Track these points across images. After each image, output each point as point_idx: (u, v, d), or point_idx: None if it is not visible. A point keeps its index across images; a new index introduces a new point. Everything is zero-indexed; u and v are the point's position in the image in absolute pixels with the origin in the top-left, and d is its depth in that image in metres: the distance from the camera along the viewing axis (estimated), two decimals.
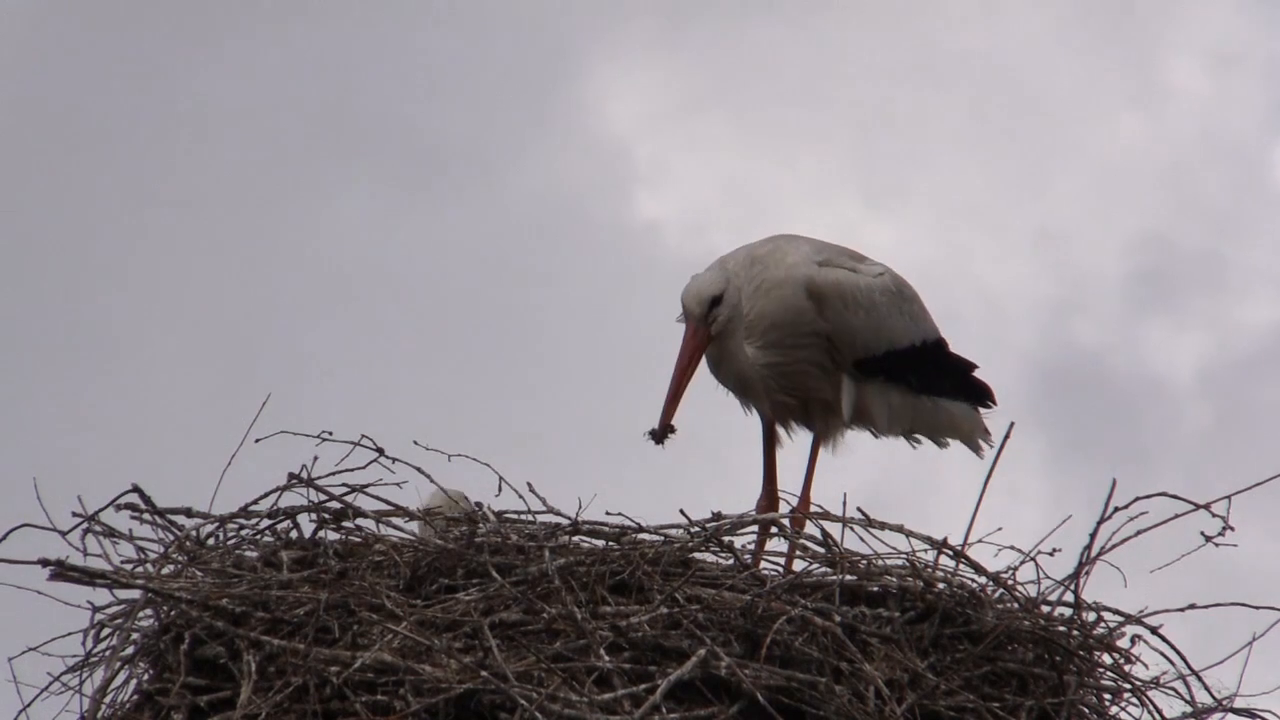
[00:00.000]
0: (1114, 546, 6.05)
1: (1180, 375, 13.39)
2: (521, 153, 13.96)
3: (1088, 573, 6.05)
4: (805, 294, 6.70)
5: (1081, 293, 13.74)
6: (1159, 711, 6.05)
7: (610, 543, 5.97)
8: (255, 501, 6.16)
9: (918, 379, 6.89)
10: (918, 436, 7.07)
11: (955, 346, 7.07)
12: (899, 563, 5.97)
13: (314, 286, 12.95)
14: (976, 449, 7.11)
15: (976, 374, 7.08)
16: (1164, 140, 14.64)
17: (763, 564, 6.17)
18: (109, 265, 13.06)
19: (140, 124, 13.45)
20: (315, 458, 6.17)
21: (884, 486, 7.76)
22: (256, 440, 6.24)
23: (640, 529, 6.01)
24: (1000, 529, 6.10)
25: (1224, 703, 6.06)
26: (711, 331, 6.56)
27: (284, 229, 13.35)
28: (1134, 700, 6.08)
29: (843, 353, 6.76)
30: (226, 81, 13.62)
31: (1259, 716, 6.07)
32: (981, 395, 7.07)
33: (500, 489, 6.31)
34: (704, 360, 6.71)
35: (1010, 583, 6.06)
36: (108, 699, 5.87)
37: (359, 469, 6.21)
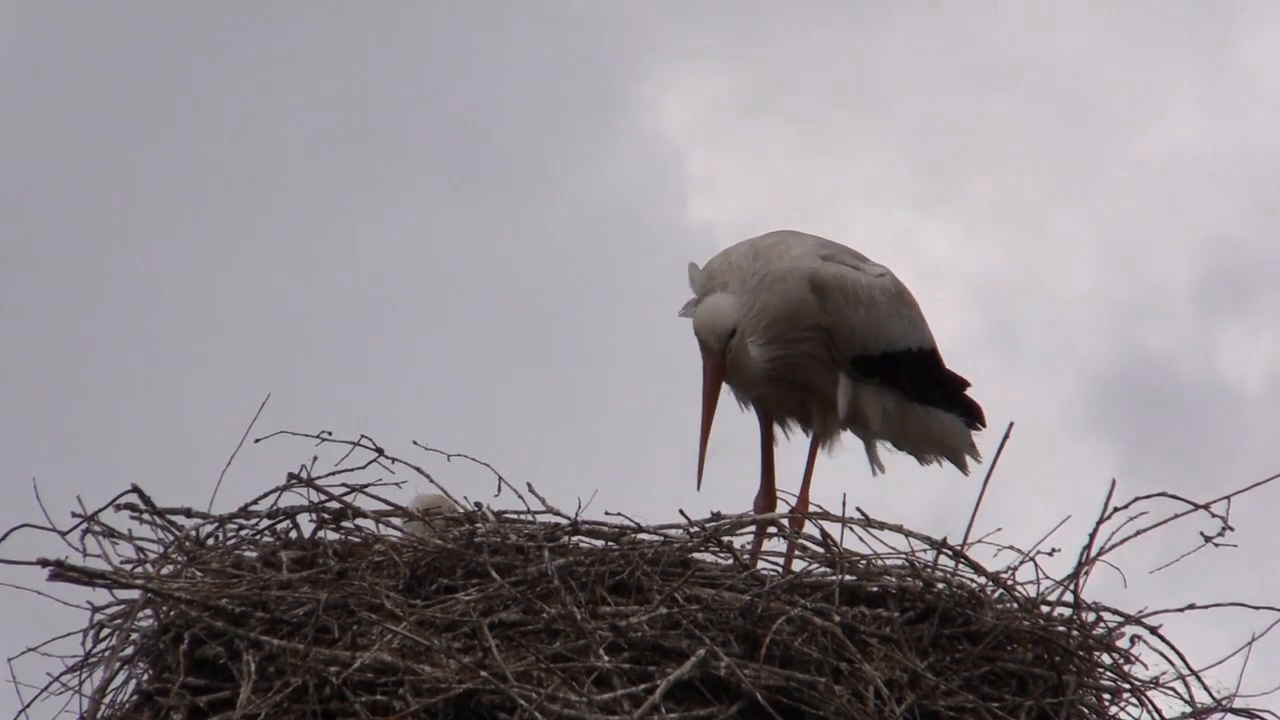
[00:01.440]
0: (1114, 546, 6.05)
1: (1251, 382, 13.29)
2: (577, 157, 13.99)
3: (1087, 573, 6.05)
4: (809, 286, 6.71)
5: (1151, 299, 13.65)
6: (1158, 711, 6.06)
7: (610, 543, 5.97)
8: (255, 501, 6.16)
9: (912, 385, 6.90)
10: (905, 449, 7.07)
11: (955, 362, 7.10)
12: (898, 563, 5.98)
13: (361, 289, 12.96)
14: (963, 466, 7.12)
15: (969, 393, 7.09)
16: (1232, 142, 14.57)
17: (762, 564, 6.18)
18: (109, 265, 13.07)
19: (173, 120, 13.47)
20: (315, 458, 6.18)
21: (884, 486, 7.77)
22: (256, 440, 6.24)
23: (640, 529, 6.02)
24: (1000, 529, 6.11)
25: (1223, 703, 6.06)
26: (727, 361, 6.56)
27: (333, 232, 13.37)
28: (1134, 700, 6.09)
29: (841, 349, 6.76)
30: (279, 78, 13.65)
31: (1258, 716, 6.07)
32: (972, 414, 7.07)
33: (500, 489, 6.32)
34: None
35: (1010, 583, 6.06)
36: (107, 699, 5.88)
37: (359, 469, 6.22)
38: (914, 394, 6.92)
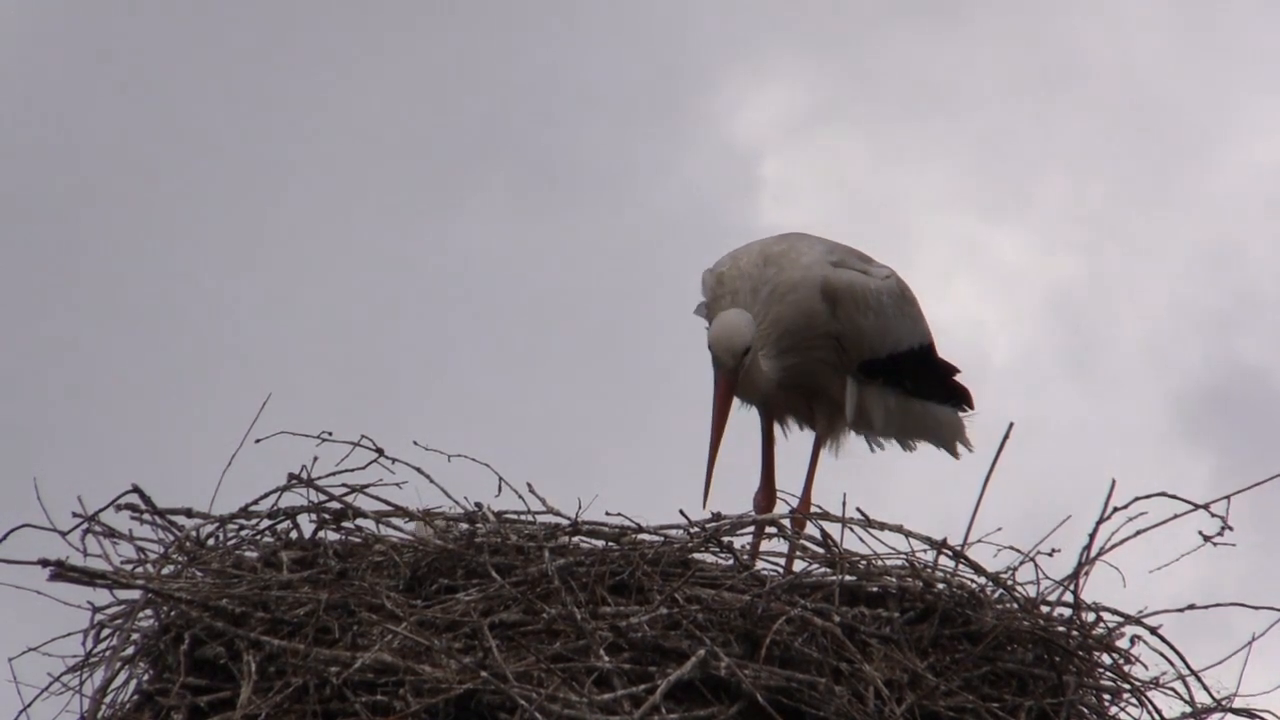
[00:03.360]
0: (1113, 547, 6.06)
1: None
2: (650, 163, 14.00)
3: (1087, 573, 6.05)
4: (820, 295, 6.70)
5: (1242, 308, 13.54)
6: (1158, 711, 6.06)
7: (610, 543, 5.98)
8: (255, 502, 6.16)
9: (912, 382, 6.91)
10: (895, 440, 7.08)
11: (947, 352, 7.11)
12: (899, 563, 5.98)
13: (435, 293, 12.96)
14: (954, 453, 7.13)
15: (958, 378, 7.10)
16: None
17: (762, 564, 6.18)
18: (109, 265, 13.07)
19: (173, 115, 13.47)
20: (315, 458, 6.18)
21: (884, 486, 7.77)
22: (257, 440, 6.24)
23: (640, 529, 6.02)
24: (1000, 529, 6.12)
25: (1223, 703, 6.06)
26: (739, 377, 6.57)
27: (408, 237, 13.38)
28: (1133, 700, 6.09)
29: (850, 354, 6.77)
30: (361, 87, 13.68)
31: (1258, 716, 6.08)
32: (961, 399, 7.09)
33: (500, 489, 6.32)
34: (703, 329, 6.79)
35: (1010, 583, 6.06)
36: (108, 699, 5.88)
37: (359, 469, 6.22)
38: (913, 391, 6.94)
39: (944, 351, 7.07)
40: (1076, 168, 14.23)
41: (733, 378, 6.55)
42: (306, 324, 12.80)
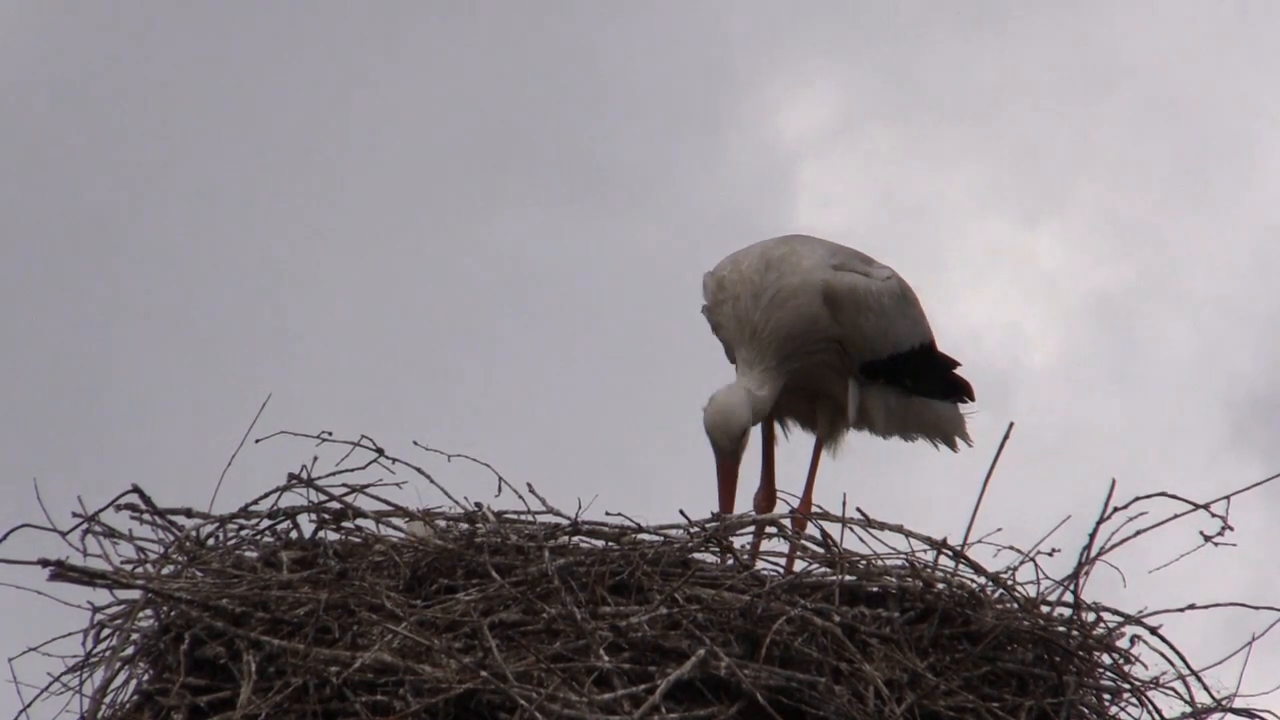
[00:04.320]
0: (1113, 546, 6.05)
1: None
2: (689, 166, 13.99)
3: (1087, 573, 6.05)
4: (822, 299, 6.70)
5: None
6: (1159, 712, 6.06)
7: (610, 543, 5.97)
8: (255, 502, 6.16)
9: (913, 381, 6.91)
10: (896, 435, 7.08)
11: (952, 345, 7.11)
12: (899, 563, 5.98)
13: (473, 295, 12.96)
14: (954, 447, 7.12)
15: (958, 371, 7.10)
16: None
17: (762, 564, 6.17)
18: (109, 265, 13.07)
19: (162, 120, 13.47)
20: (315, 458, 6.18)
21: (883, 486, 7.77)
22: (257, 440, 6.24)
23: (640, 529, 6.02)
24: (1000, 529, 6.12)
25: (1224, 703, 6.06)
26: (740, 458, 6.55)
27: (444, 240, 13.38)
28: (1134, 700, 6.09)
29: (852, 356, 6.76)
30: (399, 85, 13.67)
31: (1259, 716, 6.08)
32: (962, 392, 7.09)
33: (500, 489, 6.32)
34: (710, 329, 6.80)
35: (1010, 583, 6.06)
36: (108, 699, 5.88)
37: (359, 469, 6.22)
38: (914, 388, 6.93)
39: (977, 352, 7.08)
40: (1116, 170, 14.22)
41: (734, 460, 6.55)
42: (307, 324, 12.81)
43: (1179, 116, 14.30)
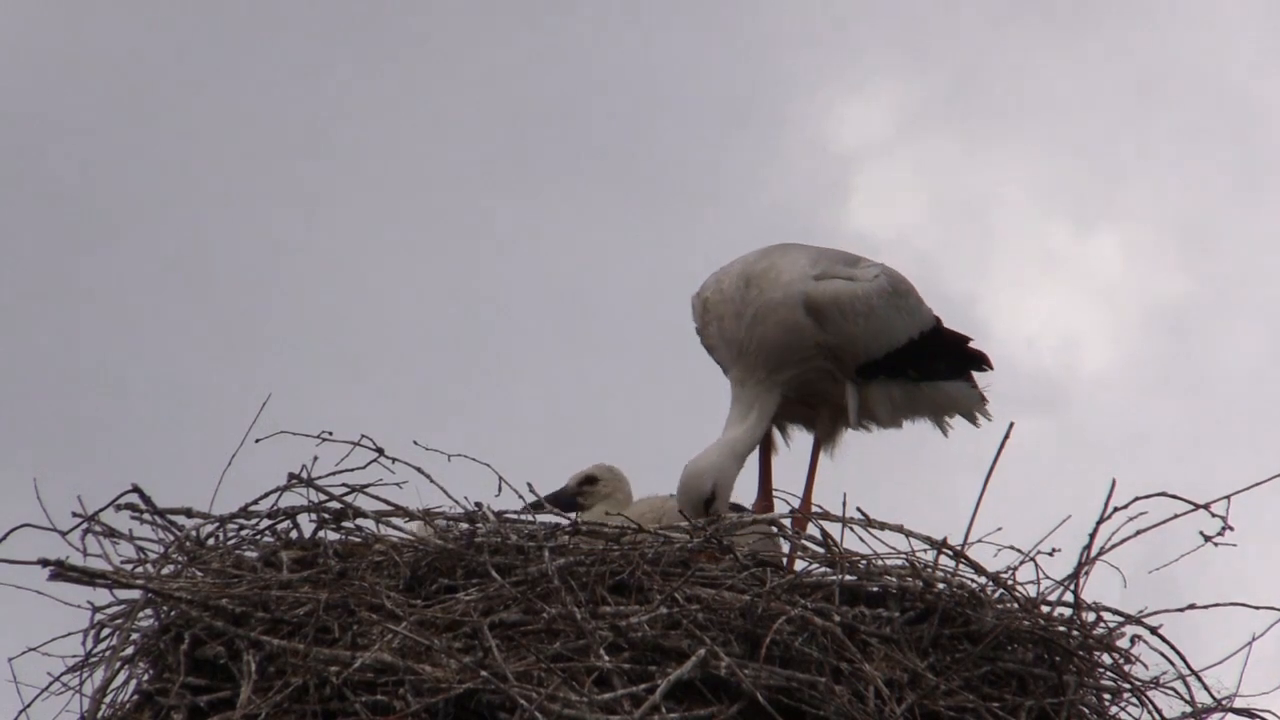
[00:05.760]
0: (1114, 546, 6.05)
1: None
2: (743, 167, 13.98)
3: (1087, 573, 6.05)
4: (804, 311, 6.67)
5: None
6: (1159, 711, 6.06)
7: (610, 543, 5.97)
8: (255, 501, 6.16)
9: (917, 370, 6.88)
10: (910, 421, 7.06)
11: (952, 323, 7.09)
12: (899, 563, 5.98)
13: (473, 295, 12.95)
14: (974, 422, 7.08)
15: (971, 345, 7.07)
16: None
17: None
18: (110, 265, 13.07)
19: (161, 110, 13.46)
20: (315, 458, 6.18)
21: (883, 486, 7.76)
22: (257, 440, 6.24)
23: (640, 529, 6.02)
24: (1000, 529, 6.11)
25: (1224, 703, 6.06)
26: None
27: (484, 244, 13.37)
28: (1134, 700, 6.09)
29: (846, 362, 6.74)
30: (452, 86, 13.67)
31: (1259, 716, 6.08)
32: (978, 362, 7.04)
33: (500, 489, 6.31)
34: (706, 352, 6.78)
35: (1010, 583, 6.06)
36: (108, 699, 5.88)
37: (359, 469, 6.22)
38: (919, 376, 6.90)
39: (1031, 357, 7.06)
40: (1174, 176, 14.20)
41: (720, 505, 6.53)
42: (307, 324, 12.81)
43: (1238, 122, 14.30)
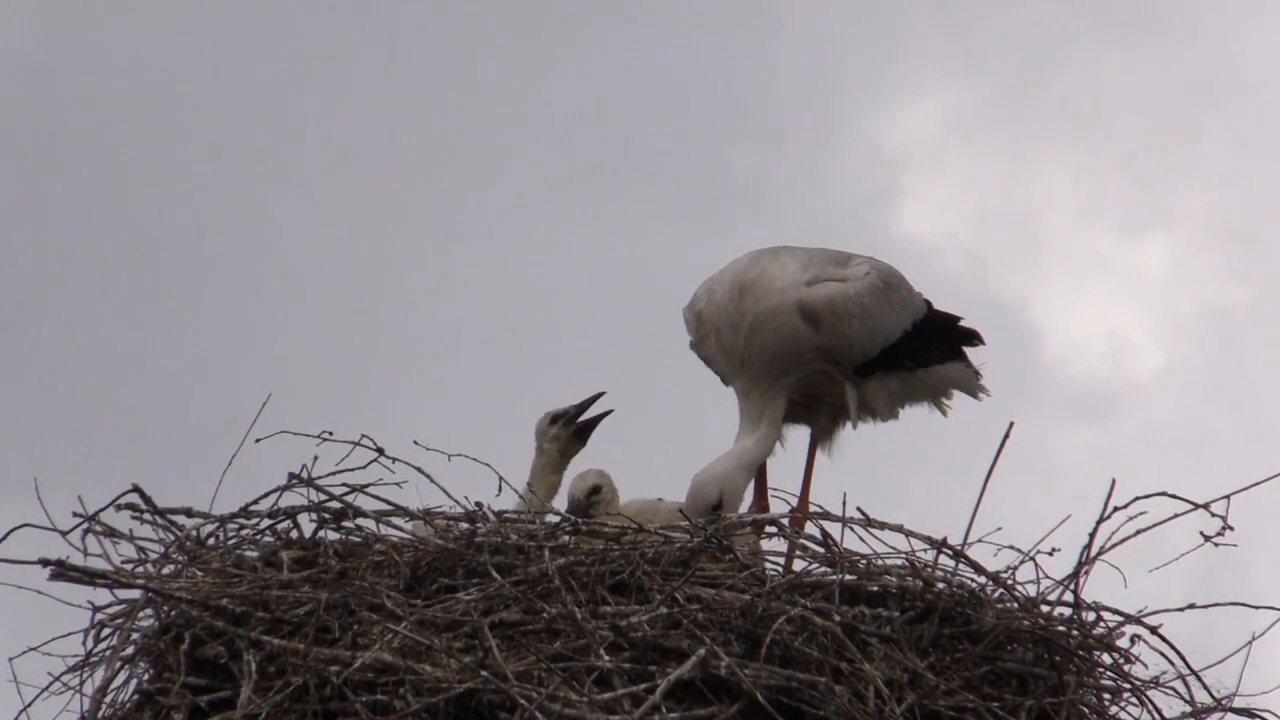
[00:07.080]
0: (1113, 546, 6.05)
1: None
2: (794, 171, 13.98)
3: (1087, 572, 6.05)
4: (799, 317, 6.66)
5: None
6: (1159, 711, 6.06)
7: (610, 543, 5.97)
8: (255, 501, 6.16)
9: (913, 359, 6.88)
10: (910, 408, 7.06)
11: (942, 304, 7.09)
12: (899, 563, 5.98)
13: (474, 296, 12.94)
14: (975, 396, 7.08)
15: (962, 323, 7.08)
16: None
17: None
18: (110, 265, 13.07)
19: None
20: (315, 458, 6.18)
21: (883, 486, 7.76)
22: (257, 440, 6.24)
23: (640, 529, 6.02)
24: (1000, 529, 6.11)
25: (1224, 703, 6.06)
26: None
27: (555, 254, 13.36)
28: (1134, 700, 6.09)
29: (843, 362, 6.74)
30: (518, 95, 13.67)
31: (1259, 716, 6.08)
32: (971, 339, 7.06)
33: (500, 489, 6.32)
34: (702, 363, 6.78)
35: (1010, 582, 6.06)
36: (108, 699, 5.88)
37: (359, 469, 6.22)
38: (914, 364, 6.90)
39: (1079, 361, 7.07)
40: (1223, 181, 14.19)
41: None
42: (307, 324, 12.81)
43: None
